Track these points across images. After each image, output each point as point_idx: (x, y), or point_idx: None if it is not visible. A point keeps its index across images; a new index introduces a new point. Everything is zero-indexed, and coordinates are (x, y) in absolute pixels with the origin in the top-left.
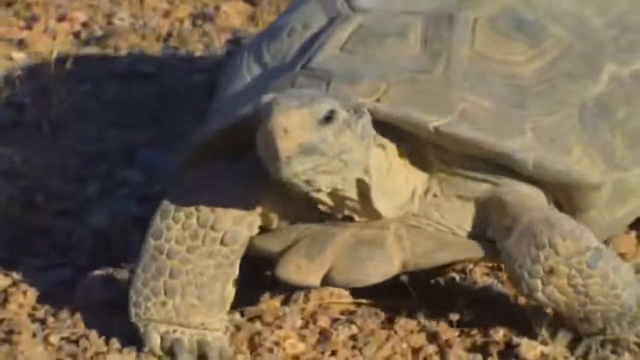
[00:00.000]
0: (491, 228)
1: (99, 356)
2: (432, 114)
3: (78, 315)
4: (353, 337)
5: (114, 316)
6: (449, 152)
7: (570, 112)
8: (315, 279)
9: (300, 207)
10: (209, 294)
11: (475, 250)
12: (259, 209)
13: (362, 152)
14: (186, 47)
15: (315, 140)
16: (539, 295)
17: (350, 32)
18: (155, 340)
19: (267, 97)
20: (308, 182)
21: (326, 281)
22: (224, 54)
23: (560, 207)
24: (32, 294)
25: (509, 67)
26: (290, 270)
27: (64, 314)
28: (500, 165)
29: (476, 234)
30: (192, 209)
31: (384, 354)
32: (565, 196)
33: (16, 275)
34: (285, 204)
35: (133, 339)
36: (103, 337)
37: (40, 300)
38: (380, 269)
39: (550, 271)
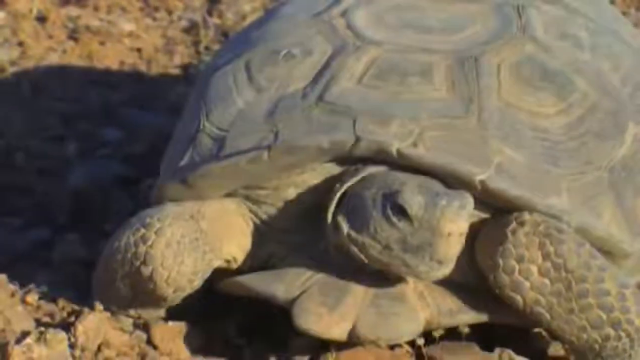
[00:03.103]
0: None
1: (77, 315)
2: (474, 165)
3: (56, 275)
4: None
5: (92, 275)
6: None
7: (600, 174)
8: (340, 333)
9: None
10: (167, 304)
11: (499, 313)
12: (225, 257)
13: None
14: (166, 6)
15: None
16: (519, 282)
17: (364, 65)
18: (126, 318)
19: (420, 194)
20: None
21: (352, 336)
22: (203, 13)
23: None
24: (11, 253)
25: (537, 119)
26: (312, 321)
27: (43, 273)
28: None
29: (479, 282)
30: (134, 268)
31: None
32: None
33: None
34: (265, 245)
35: None
36: (81, 296)
37: (19, 259)
38: (410, 326)
39: (520, 243)
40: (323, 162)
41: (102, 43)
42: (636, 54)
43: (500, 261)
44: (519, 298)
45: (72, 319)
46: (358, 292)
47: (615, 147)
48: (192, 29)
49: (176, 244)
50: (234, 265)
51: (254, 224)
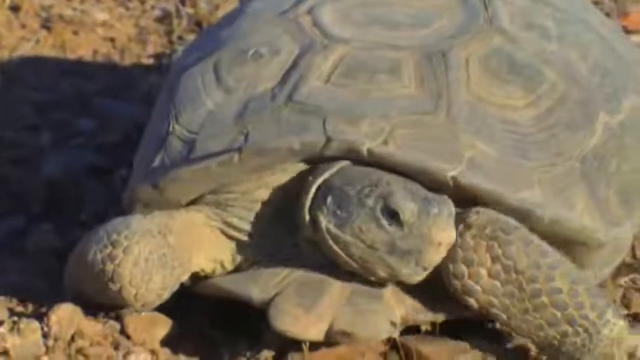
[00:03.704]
0: None
1: (50, 305)
2: (444, 161)
3: (30, 264)
4: None
5: (65, 265)
6: None
7: (572, 165)
8: (317, 334)
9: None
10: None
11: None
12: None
13: None
14: None
15: None
16: (470, 285)
17: (332, 63)
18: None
19: (412, 200)
20: None
21: (329, 336)
22: (176, 2)
23: None
24: None
25: (506, 111)
26: (288, 323)
27: (16, 263)
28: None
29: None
30: (101, 284)
31: None
32: (563, 253)
33: None
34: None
35: None
36: (55, 286)
37: None
38: (387, 323)
39: (468, 246)
40: (294, 162)
41: (75, 32)
42: (606, 42)
43: (450, 265)
44: (472, 301)
45: (45, 308)
46: (334, 292)
47: (586, 136)
48: (165, 18)
49: (144, 262)
50: (203, 275)
51: (224, 231)
